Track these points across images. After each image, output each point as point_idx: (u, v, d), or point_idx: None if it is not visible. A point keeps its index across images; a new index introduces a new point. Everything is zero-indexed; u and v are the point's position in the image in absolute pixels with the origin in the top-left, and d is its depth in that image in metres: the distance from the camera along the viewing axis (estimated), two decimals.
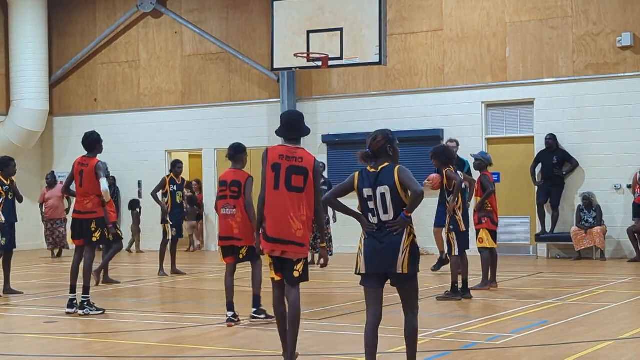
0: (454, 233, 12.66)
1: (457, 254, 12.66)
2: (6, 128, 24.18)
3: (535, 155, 19.73)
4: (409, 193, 6.98)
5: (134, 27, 24.61)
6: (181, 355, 9.00)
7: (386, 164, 7.12)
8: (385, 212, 7.01)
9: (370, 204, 7.06)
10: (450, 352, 8.90)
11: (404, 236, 6.99)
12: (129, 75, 24.70)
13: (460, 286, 12.79)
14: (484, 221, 13.44)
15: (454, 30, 20.74)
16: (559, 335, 9.70)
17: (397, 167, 7.09)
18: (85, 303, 11.86)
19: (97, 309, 11.94)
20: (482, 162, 13.86)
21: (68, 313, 11.90)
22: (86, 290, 11.90)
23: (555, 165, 19.45)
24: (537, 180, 19.64)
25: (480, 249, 13.55)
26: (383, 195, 7.00)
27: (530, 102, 20.03)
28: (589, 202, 18.88)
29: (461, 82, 20.66)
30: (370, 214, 7.07)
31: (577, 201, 19.29)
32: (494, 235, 13.65)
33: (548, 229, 19.57)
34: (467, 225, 12.87)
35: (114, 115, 24.67)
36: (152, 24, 24.40)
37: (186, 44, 23.99)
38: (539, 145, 19.71)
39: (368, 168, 7.16)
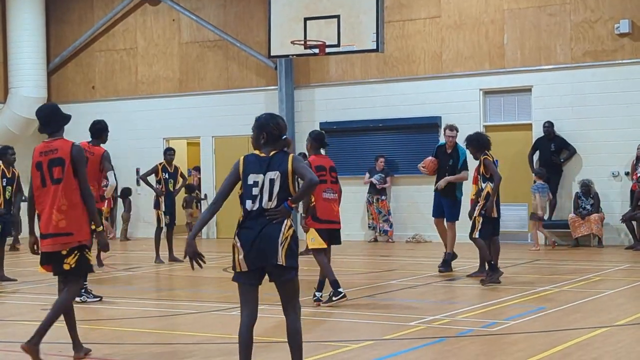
0: (481, 217, 12.81)
1: (477, 236, 12.81)
2: (4, 116, 24.15)
3: (533, 143, 19.72)
4: (300, 183, 6.63)
5: (132, 14, 24.56)
6: (177, 342, 9.00)
7: (277, 150, 6.70)
8: (270, 199, 6.55)
9: (255, 190, 6.58)
10: (446, 338, 8.89)
11: (284, 226, 6.52)
12: (127, 63, 24.67)
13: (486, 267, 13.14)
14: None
15: (451, 17, 20.70)
16: (555, 322, 9.70)
17: (291, 154, 6.73)
18: (82, 290, 11.84)
19: (95, 296, 11.93)
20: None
21: None
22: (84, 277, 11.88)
23: (553, 153, 19.44)
24: (534, 168, 19.61)
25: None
26: (272, 181, 6.57)
27: (528, 89, 20.01)
28: (586, 189, 18.86)
29: (459, 69, 20.63)
30: (250, 201, 6.58)
31: (575, 188, 19.29)
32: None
33: (546, 216, 19.57)
34: (498, 212, 12.96)
35: (112, 102, 24.64)
36: (150, 12, 24.35)
37: (184, 31, 23.95)
38: (537, 132, 19.70)
39: (257, 153, 6.71)
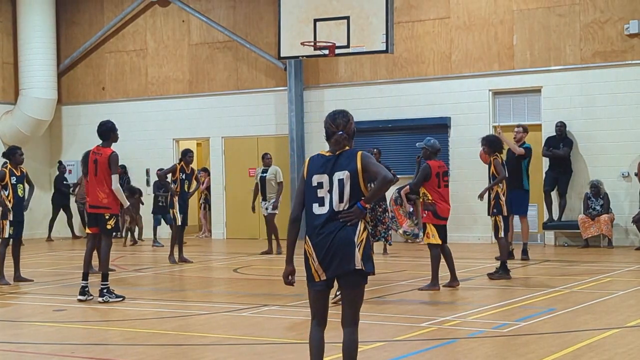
0: (500, 216, 13.54)
1: (502, 235, 13.53)
2: (15, 117, 24.24)
3: (545, 141, 19.65)
4: (369, 182, 6.24)
5: (142, 15, 24.63)
6: (189, 342, 9.05)
7: (346, 147, 6.27)
8: (341, 200, 6.13)
9: (320, 192, 6.16)
10: (457, 340, 8.92)
11: (359, 229, 6.12)
12: (137, 64, 24.74)
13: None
14: (424, 215, 12.57)
15: (461, 17, 20.71)
16: (566, 323, 9.72)
17: (360, 151, 6.25)
18: (105, 290, 11.81)
19: (117, 296, 11.91)
20: (427, 150, 12.60)
21: (80, 300, 11.91)
22: (105, 277, 11.86)
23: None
24: (546, 154, 19.52)
25: (429, 245, 12.51)
26: (341, 181, 6.13)
27: (537, 90, 20.00)
28: (596, 190, 18.85)
29: (468, 70, 20.63)
30: (317, 204, 6.17)
31: (585, 189, 19.27)
32: (441, 230, 12.45)
33: (555, 216, 19.56)
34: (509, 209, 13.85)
35: (122, 103, 24.71)
36: (160, 13, 24.41)
37: (193, 32, 24.00)
38: (546, 133, 19.68)
39: (323, 152, 6.34)
